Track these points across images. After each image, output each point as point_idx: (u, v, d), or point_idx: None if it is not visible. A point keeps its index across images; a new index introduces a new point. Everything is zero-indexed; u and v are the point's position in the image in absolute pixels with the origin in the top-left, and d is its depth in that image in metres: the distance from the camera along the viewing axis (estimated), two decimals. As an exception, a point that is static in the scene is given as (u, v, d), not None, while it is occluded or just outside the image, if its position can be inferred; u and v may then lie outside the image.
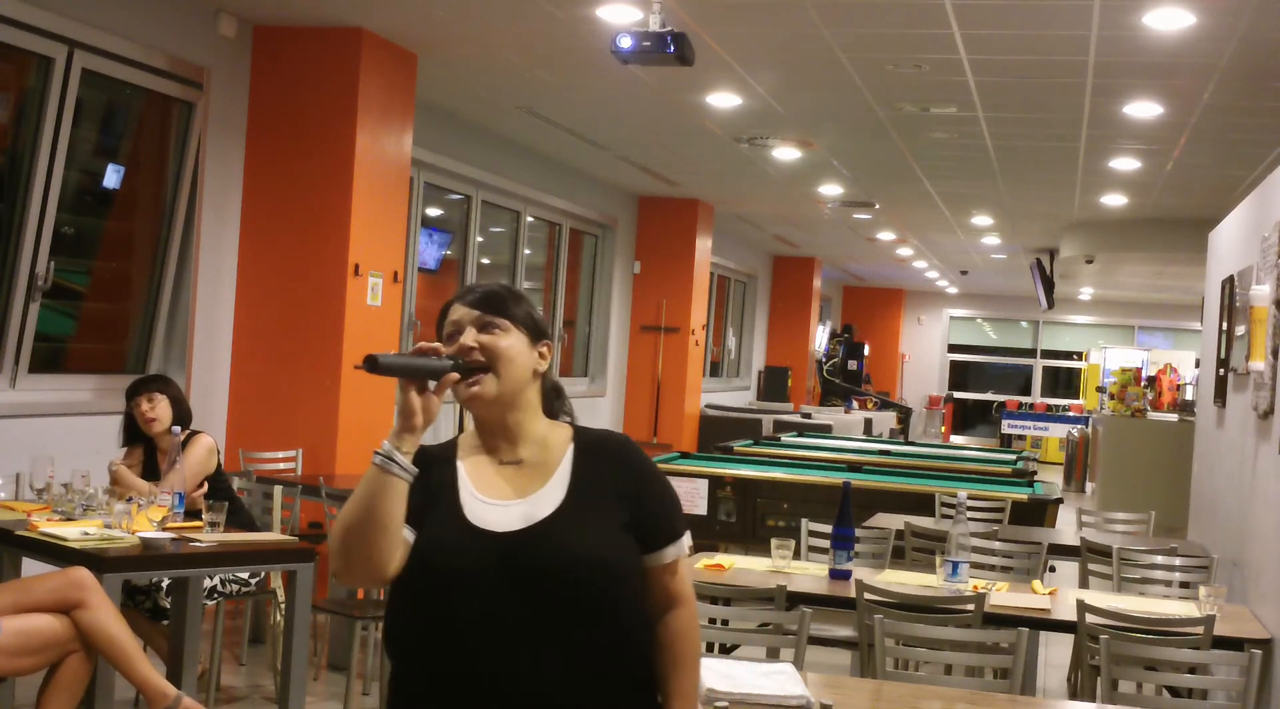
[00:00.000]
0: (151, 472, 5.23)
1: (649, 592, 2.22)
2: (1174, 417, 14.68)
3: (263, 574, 5.34)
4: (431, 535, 2.13)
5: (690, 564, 4.02)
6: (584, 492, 2.17)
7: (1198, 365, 13.31)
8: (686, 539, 2.26)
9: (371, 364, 2.02)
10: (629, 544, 2.17)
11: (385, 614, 2.18)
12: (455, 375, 2.11)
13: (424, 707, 2.11)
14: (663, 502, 2.25)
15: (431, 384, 2.10)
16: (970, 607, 4.29)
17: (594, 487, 2.18)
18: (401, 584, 2.12)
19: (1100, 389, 19.19)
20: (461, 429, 2.41)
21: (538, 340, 2.24)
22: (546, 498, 2.16)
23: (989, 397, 24.93)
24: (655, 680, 2.21)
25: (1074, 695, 5.62)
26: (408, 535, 2.12)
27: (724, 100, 8.21)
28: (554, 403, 2.29)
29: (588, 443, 2.25)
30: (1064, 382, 24.87)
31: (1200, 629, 4.15)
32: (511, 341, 2.18)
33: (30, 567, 4.58)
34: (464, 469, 2.21)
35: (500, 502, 2.16)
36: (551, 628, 2.07)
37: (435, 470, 2.19)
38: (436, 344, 2.13)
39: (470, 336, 2.16)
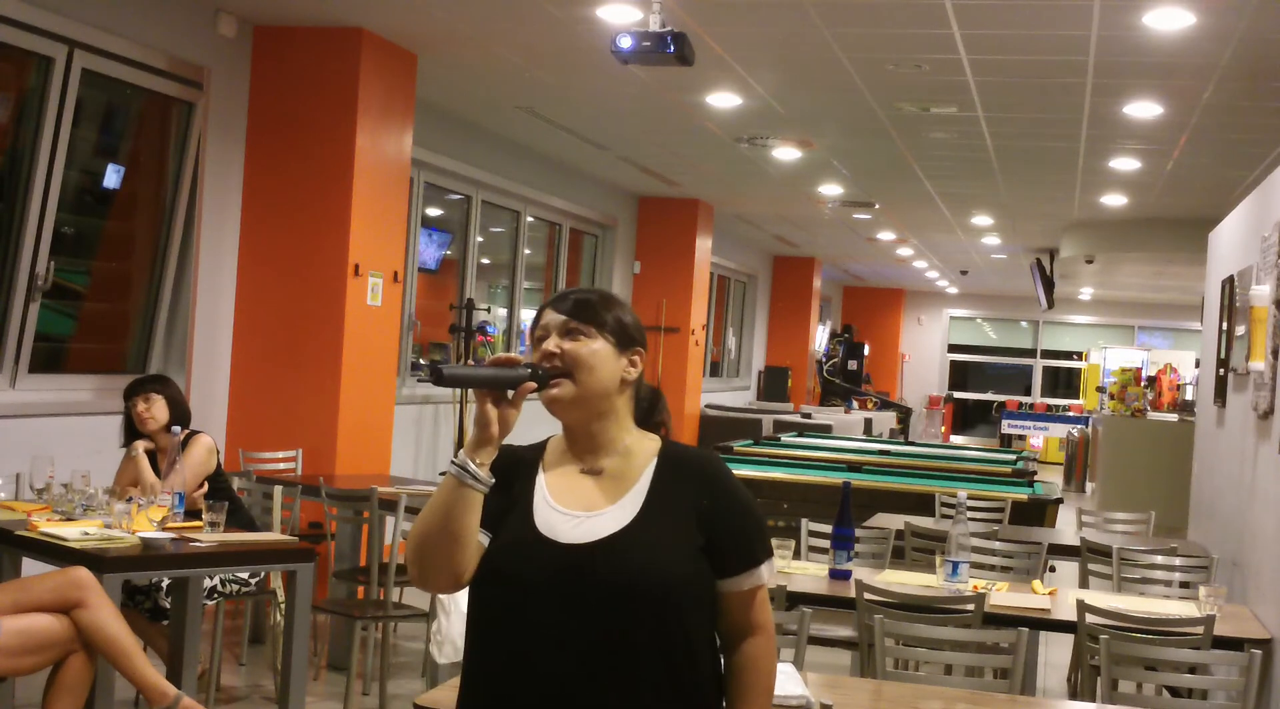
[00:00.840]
0: (152, 471, 5.22)
1: (723, 617, 2.16)
2: (1174, 417, 14.68)
3: (263, 574, 5.33)
4: (500, 542, 2.12)
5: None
6: (659, 508, 2.12)
7: (1198, 365, 13.30)
8: (767, 568, 2.17)
9: (437, 376, 2.00)
10: (699, 566, 2.11)
11: (467, 607, 2.20)
12: (532, 384, 2.08)
13: (485, 701, 2.12)
14: (743, 527, 2.17)
15: (509, 394, 2.07)
16: (970, 607, 4.28)
17: (671, 504, 2.13)
18: (473, 585, 2.13)
19: (1100, 389, 19.19)
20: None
21: (627, 348, 2.19)
22: (619, 512, 2.12)
23: (989, 397, 24.91)
24: (720, 706, 2.17)
25: (1074, 695, 5.62)
26: (483, 539, 2.11)
27: (724, 100, 8.20)
28: (649, 413, 2.26)
29: (673, 459, 2.20)
30: (1064, 381, 24.86)
31: (1200, 629, 4.15)
32: (595, 348, 2.14)
33: (30, 567, 4.58)
34: (545, 475, 2.19)
35: (573, 512, 2.13)
36: (609, 644, 2.04)
37: (518, 474, 2.17)
38: (514, 355, 2.11)
39: (553, 342, 2.14)
